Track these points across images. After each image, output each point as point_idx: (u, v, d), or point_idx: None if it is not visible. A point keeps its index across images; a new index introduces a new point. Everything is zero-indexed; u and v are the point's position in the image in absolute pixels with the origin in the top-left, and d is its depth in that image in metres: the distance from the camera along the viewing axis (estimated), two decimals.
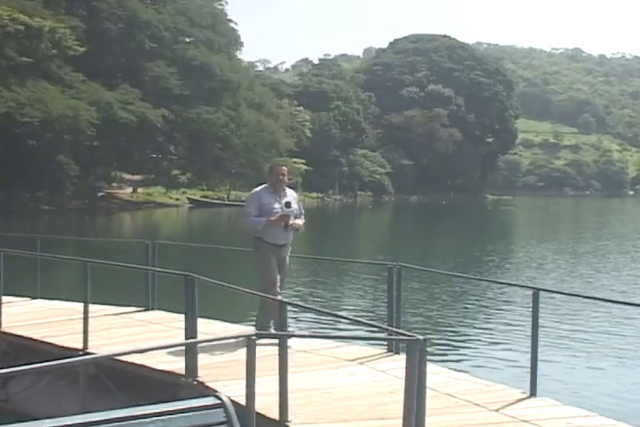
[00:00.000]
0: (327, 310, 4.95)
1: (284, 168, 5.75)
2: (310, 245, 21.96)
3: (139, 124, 37.15)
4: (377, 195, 74.46)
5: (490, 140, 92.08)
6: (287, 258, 5.72)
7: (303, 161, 63.04)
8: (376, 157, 77.05)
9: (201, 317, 5.17)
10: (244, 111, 45.21)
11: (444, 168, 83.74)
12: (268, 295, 5.12)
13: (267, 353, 4.72)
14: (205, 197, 50.16)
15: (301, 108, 69.68)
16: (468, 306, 10.69)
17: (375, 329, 6.33)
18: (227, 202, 49.74)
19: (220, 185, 52.29)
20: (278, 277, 5.64)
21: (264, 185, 5.70)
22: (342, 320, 5.65)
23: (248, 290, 4.59)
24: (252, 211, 5.57)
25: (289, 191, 5.76)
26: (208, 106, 41.81)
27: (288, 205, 5.57)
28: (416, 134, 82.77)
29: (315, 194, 67.56)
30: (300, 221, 5.73)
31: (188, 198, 47.69)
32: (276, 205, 5.56)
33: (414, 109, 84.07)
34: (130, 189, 47.50)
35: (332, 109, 74.77)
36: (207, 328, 5.82)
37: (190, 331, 4.65)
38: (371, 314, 9.52)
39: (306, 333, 6.32)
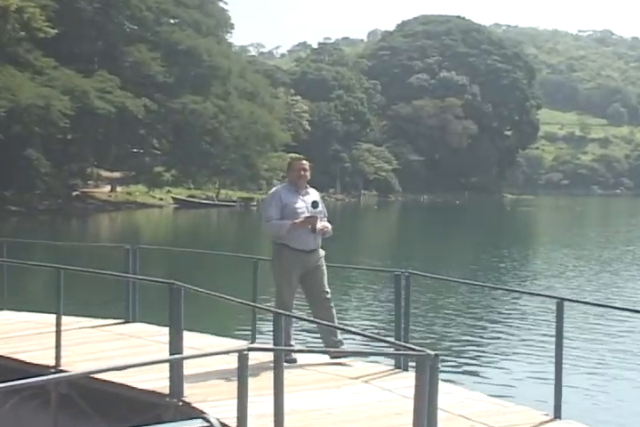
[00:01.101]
0: (326, 322, 4.96)
1: (306, 163, 5.63)
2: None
3: (118, 116, 37.16)
4: (383, 194, 74.49)
5: (509, 133, 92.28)
6: (323, 267, 5.52)
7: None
8: (382, 152, 77.15)
9: (187, 330, 5.17)
10: (235, 101, 45.24)
11: (458, 164, 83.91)
12: (261, 306, 5.12)
13: (260, 370, 4.72)
14: (192, 196, 50.21)
15: (299, 97, 69.79)
16: (484, 317, 10.71)
17: (381, 343, 6.33)
18: (216, 202, 49.80)
19: (208, 183, 52.33)
20: (313, 292, 5.47)
21: (283, 183, 5.65)
22: (345, 333, 5.64)
23: (240, 300, 4.59)
24: (273, 213, 5.41)
25: (312, 190, 5.64)
26: (195, 95, 41.83)
27: (315, 205, 5.43)
28: (426, 127, 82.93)
29: None
30: (327, 224, 5.56)
31: (172, 198, 47.74)
32: (300, 205, 5.43)
33: (424, 99, 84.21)
34: (108, 188, 47.53)
35: (333, 99, 74.91)
36: (194, 342, 5.83)
37: (175, 345, 4.65)
38: (376, 326, 9.53)
39: (304, 347, 6.33)
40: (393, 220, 45.20)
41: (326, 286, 5.55)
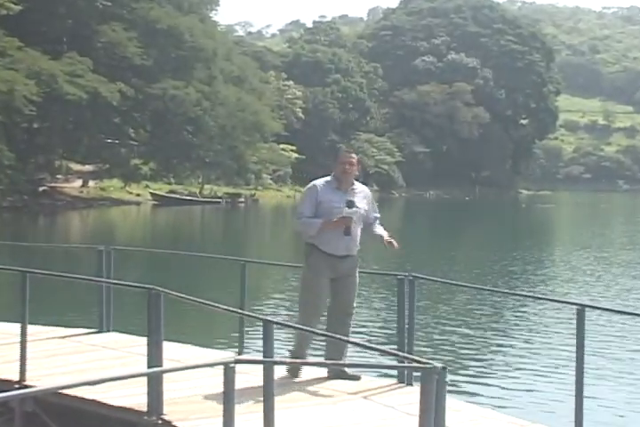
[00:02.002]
0: (322, 332, 4.96)
1: (353, 156, 5.50)
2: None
3: (90, 102, 37.08)
4: (384, 189, 74.49)
5: (524, 121, 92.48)
6: (354, 276, 5.44)
7: (293, 148, 63.23)
8: (383, 142, 77.23)
9: (167, 340, 5.17)
10: (221, 86, 45.19)
11: (468, 157, 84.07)
12: (250, 313, 5.12)
13: (249, 385, 4.73)
14: (173, 192, 50.17)
15: (291, 82, 69.79)
16: (496, 326, 10.73)
17: (382, 354, 6.34)
18: (199, 198, 49.79)
19: (190, 177, 52.32)
20: (339, 302, 5.39)
21: (326, 178, 5.50)
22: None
23: (226, 307, 4.60)
24: (306, 210, 5.36)
25: (360, 187, 5.53)
26: (176, 80, 41.76)
27: (350, 204, 5.30)
28: (433, 115, 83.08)
29: None
30: (384, 232, 5.46)
31: (151, 194, 47.68)
32: (340, 204, 5.33)
33: (431, 84, 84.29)
34: (79, 183, 47.42)
35: (330, 84, 74.92)
36: (175, 354, 5.83)
37: (154, 357, 4.65)
38: (376, 335, 9.54)
39: (297, 360, 6.34)
40: (395, 218, 45.22)
41: (353, 300, 5.46)
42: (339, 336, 4.57)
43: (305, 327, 4.85)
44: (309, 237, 5.39)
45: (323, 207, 5.35)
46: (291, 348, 5.58)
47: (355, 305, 5.51)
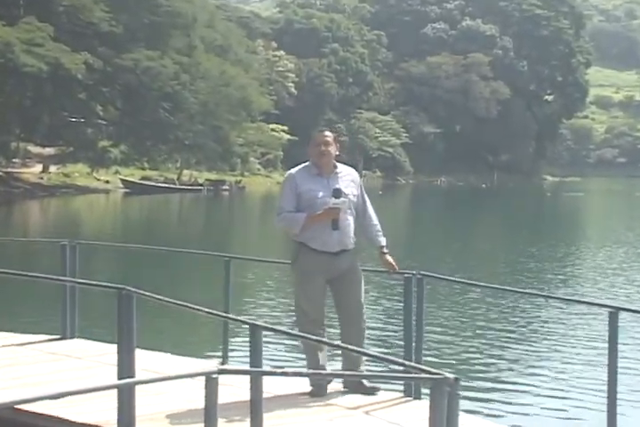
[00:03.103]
0: (317, 338, 4.96)
1: (328, 134, 5.42)
2: None
3: (51, 75, 36.94)
4: (389, 175, 74.60)
5: (550, 98, 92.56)
6: (356, 273, 5.39)
7: (285, 128, 63.22)
8: (388, 122, 77.26)
9: (141, 347, 5.17)
10: (202, 57, 45.05)
11: (485, 138, 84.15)
12: (235, 317, 5.12)
13: (233, 398, 4.73)
14: (147, 178, 50.15)
15: (282, 52, 69.67)
16: (515, 330, 10.77)
17: (386, 364, 6.36)
18: (177, 186, 49.79)
19: (167, 162, 52.26)
20: (346, 308, 5.37)
21: (305, 164, 5.44)
22: (340, 351, 5.67)
23: (208, 310, 4.59)
24: (286, 204, 5.31)
25: (345, 170, 5.45)
26: (150, 49, 41.62)
27: (337, 193, 5.23)
28: (445, 90, 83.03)
29: None
30: (385, 246, 5.44)
31: (121, 181, 47.68)
32: (323, 193, 5.26)
33: (442, 55, 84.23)
34: (39, 168, 47.34)
35: (327, 55, 74.82)
36: (150, 363, 5.84)
37: (125, 367, 4.66)
38: (380, 341, 9.57)
39: (288, 369, 6.35)
40: (402, 208, 45.31)
41: (360, 299, 5.42)
42: (344, 345, 4.57)
43: (293, 332, 4.86)
44: (294, 234, 5.36)
45: (304, 199, 5.30)
46: (306, 362, 5.55)
47: (363, 305, 5.46)
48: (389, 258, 5.51)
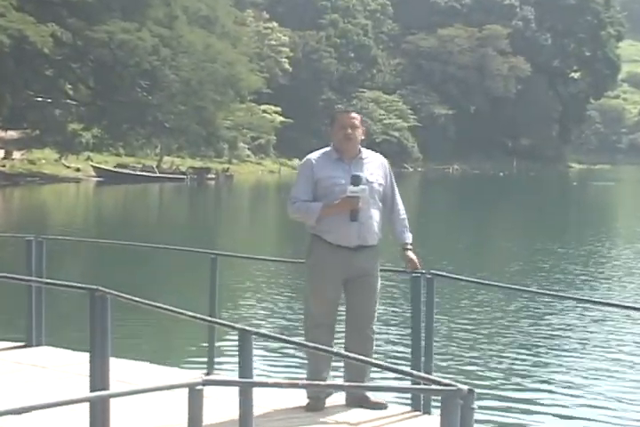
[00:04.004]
0: (314, 345, 4.96)
1: (355, 115, 5.42)
2: (295, 243, 21.98)
3: (13, 49, 36.86)
4: (395, 162, 74.19)
5: (576, 75, 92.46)
6: (373, 276, 5.37)
7: (278, 109, 63.21)
8: (394, 102, 77.23)
9: (117, 356, 5.19)
10: (184, 29, 44.93)
11: (503, 121, 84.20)
12: (222, 322, 5.12)
13: (220, 412, 4.74)
14: (122, 166, 50.14)
15: (275, 24, 69.58)
16: (534, 336, 10.79)
17: (391, 374, 6.36)
18: (157, 174, 49.78)
19: (145, 147, 52.22)
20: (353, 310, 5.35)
21: (325, 149, 5.46)
22: (341, 360, 5.67)
23: (192, 313, 4.60)
24: (301, 192, 5.32)
25: (370, 156, 5.46)
26: (126, 20, 41.52)
27: (356, 180, 5.20)
28: (457, 66, 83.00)
29: (296, 162, 67.66)
30: (410, 242, 5.46)
31: (94, 168, 47.66)
32: (343, 181, 5.25)
33: (455, 27, 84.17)
34: (0, 154, 47.31)
35: (325, 27, 74.73)
36: (126, 374, 5.85)
37: (99, 378, 4.67)
38: (385, 349, 9.58)
39: (282, 380, 6.38)
40: (409, 200, 45.21)
41: (373, 307, 5.41)
42: (343, 353, 4.58)
43: (287, 338, 4.85)
44: (310, 226, 5.35)
45: (322, 186, 5.29)
46: (307, 372, 5.56)
47: (375, 314, 5.46)
48: (411, 254, 5.50)
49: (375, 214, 5.35)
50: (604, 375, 8.94)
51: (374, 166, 5.42)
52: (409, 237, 5.54)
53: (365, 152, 5.44)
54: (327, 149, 5.45)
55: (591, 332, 11.07)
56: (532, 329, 11.25)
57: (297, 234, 22.41)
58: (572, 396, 8.24)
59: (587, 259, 18.78)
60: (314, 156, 5.42)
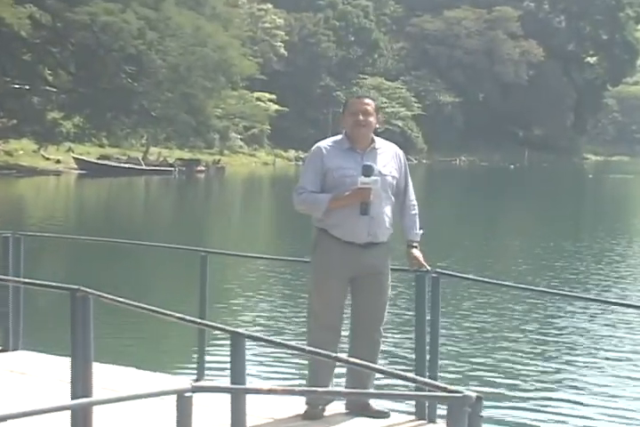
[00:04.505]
0: (311, 349, 4.97)
1: (369, 102, 5.43)
2: (291, 240, 22.00)
3: None
4: None
5: (592, 60, 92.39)
6: (383, 274, 5.36)
7: (273, 96, 63.16)
8: (397, 89, 77.23)
9: (100, 361, 5.18)
10: (172, 11, 44.87)
11: (514, 110, 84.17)
12: (212, 324, 5.12)
13: (210, 420, 4.74)
14: (106, 157, 50.13)
15: (270, 5, 69.47)
16: (549, 340, 10.81)
17: (393, 379, 6.38)
18: (143, 166, 49.76)
19: (130, 138, 52.18)
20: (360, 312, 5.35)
21: (336, 137, 5.48)
22: (340, 364, 5.68)
23: (180, 315, 4.60)
24: (308, 182, 5.30)
25: (385, 146, 5.47)
26: (109, 1, 41.46)
27: (368, 171, 5.19)
28: (465, 51, 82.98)
29: (292, 153, 67.77)
30: (419, 253, 5.44)
31: (75, 160, 47.62)
32: (354, 172, 5.24)
33: (462, 8, 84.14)
34: None
35: (323, 8, 74.65)
36: (110, 380, 5.85)
37: (81, 385, 4.67)
38: (386, 353, 9.59)
39: (277, 386, 6.39)
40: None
41: (382, 309, 5.40)
42: (341, 357, 4.58)
43: (283, 342, 4.85)
44: (317, 219, 5.33)
45: (332, 177, 5.28)
46: (307, 377, 5.56)
47: (385, 315, 5.44)
48: (417, 252, 5.47)
49: (387, 209, 5.34)
50: (621, 381, 8.96)
51: (388, 157, 5.40)
52: (417, 235, 5.52)
53: (379, 142, 5.43)
54: (339, 137, 5.44)
55: (606, 334, 11.09)
56: (543, 331, 11.27)
57: (293, 230, 22.42)
58: (585, 405, 8.25)
59: (601, 257, 18.79)
60: (324, 144, 5.41)
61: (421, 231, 5.57)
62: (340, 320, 5.39)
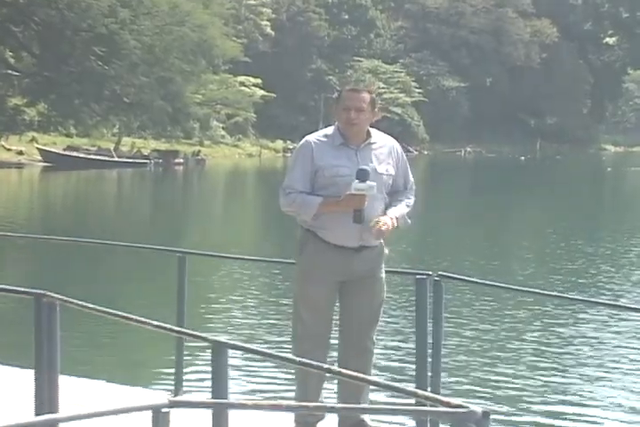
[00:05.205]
0: (300, 360, 4.99)
1: (364, 95, 5.38)
2: (277, 240, 22.01)
3: None
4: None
5: (611, 40, 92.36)
6: (376, 278, 5.35)
7: (258, 81, 63.09)
8: (396, 73, 77.19)
9: (67, 374, 5.20)
10: None
11: (524, 95, 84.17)
12: (192, 332, 5.14)
13: None
14: (74, 148, 50.01)
15: None
16: (560, 349, 10.85)
17: (392, 393, 6.40)
18: (115, 158, 49.68)
19: (101, 126, 52.04)
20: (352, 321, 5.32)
21: (327, 130, 5.46)
22: (335, 377, 5.70)
23: (157, 323, 4.62)
24: (296, 181, 5.28)
25: (381, 141, 5.43)
26: None
27: (363, 175, 5.11)
28: (470, 30, 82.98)
29: (279, 144, 67.73)
30: (397, 212, 5.28)
31: (40, 151, 47.51)
32: (348, 171, 5.21)
33: None
34: None
35: None
36: (80, 394, 5.86)
37: (45, 400, 4.67)
38: (384, 364, 9.62)
39: (262, 401, 6.42)
40: None
41: (376, 315, 5.40)
42: (336, 369, 4.60)
43: (269, 352, 4.87)
44: (304, 221, 5.32)
45: (323, 176, 5.26)
46: (295, 391, 5.55)
47: (377, 321, 5.44)
48: (386, 218, 5.23)
49: (381, 211, 5.31)
50: (637, 397, 8.99)
51: (384, 154, 5.38)
52: (396, 212, 5.31)
53: (375, 135, 5.40)
54: (330, 129, 5.42)
55: (621, 344, 11.12)
56: (553, 340, 11.31)
57: (279, 229, 22.40)
58: (599, 423, 8.29)
59: (618, 259, 18.83)
60: (314, 138, 5.37)
61: (409, 219, 5.43)
62: (328, 328, 5.39)
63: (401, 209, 5.35)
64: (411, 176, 5.52)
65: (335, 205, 5.19)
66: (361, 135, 5.34)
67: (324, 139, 5.34)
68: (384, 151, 5.38)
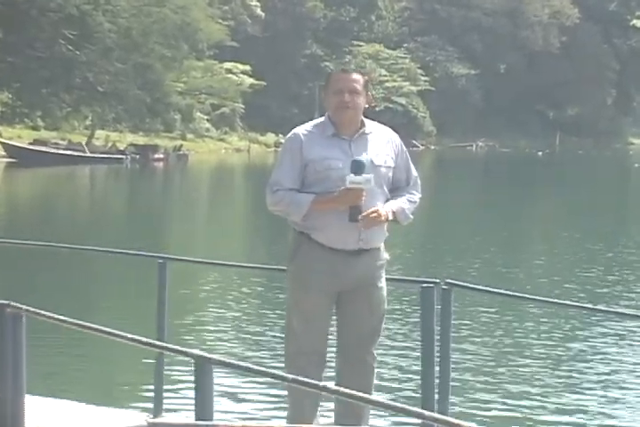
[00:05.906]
0: (294, 377, 5.02)
1: (356, 78, 5.35)
2: (267, 244, 22.02)
3: None
4: (402, 138, 73.21)
5: (638, 22, 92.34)
6: (377, 286, 5.36)
7: (247, 68, 63.07)
8: (399, 59, 77.21)
9: (36, 394, 5.19)
10: None
11: (542, 84, 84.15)
12: (174, 347, 5.17)
13: None
14: (42, 142, 49.97)
15: None
16: (578, 362, 10.87)
17: (396, 413, 6.43)
18: (87, 153, 49.66)
19: (71, 118, 52.07)
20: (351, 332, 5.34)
21: (317, 121, 5.49)
22: (331, 396, 5.71)
23: (134, 336, 4.64)
24: (284, 177, 5.29)
25: (377, 131, 5.44)
26: None
27: (358, 168, 5.12)
28: (483, 12, 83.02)
29: (270, 137, 67.69)
30: (395, 206, 5.27)
31: (4, 146, 47.50)
32: (341, 164, 5.23)
33: None
34: None
35: None
36: (51, 416, 5.86)
37: (9, 422, 4.68)
38: (387, 381, 9.64)
39: (251, 423, 6.45)
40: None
41: (378, 327, 5.42)
42: (334, 387, 4.63)
43: (258, 368, 4.90)
44: (294, 222, 5.33)
45: (314, 170, 5.27)
46: (287, 412, 5.55)
47: (379, 334, 5.46)
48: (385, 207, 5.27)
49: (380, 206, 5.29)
50: None
51: (381, 144, 5.39)
52: (394, 204, 5.34)
53: (370, 125, 5.41)
54: (320, 120, 5.44)
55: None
56: (571, 354, 11.33)
57: (269, 232, 22.41)
58: None
59: None
60: (302, 129, 5.40)
61: (411, 215, 5.41)
62: (324, 342, 5.39)
63: (400, 203, 5.36)
64: (414, 170, 5.52)
65: (329, 202, 5.19)
66: (355, 123, 5.35)
67: (314, 130, 5.36)
68: (381, 142, 5.40)
